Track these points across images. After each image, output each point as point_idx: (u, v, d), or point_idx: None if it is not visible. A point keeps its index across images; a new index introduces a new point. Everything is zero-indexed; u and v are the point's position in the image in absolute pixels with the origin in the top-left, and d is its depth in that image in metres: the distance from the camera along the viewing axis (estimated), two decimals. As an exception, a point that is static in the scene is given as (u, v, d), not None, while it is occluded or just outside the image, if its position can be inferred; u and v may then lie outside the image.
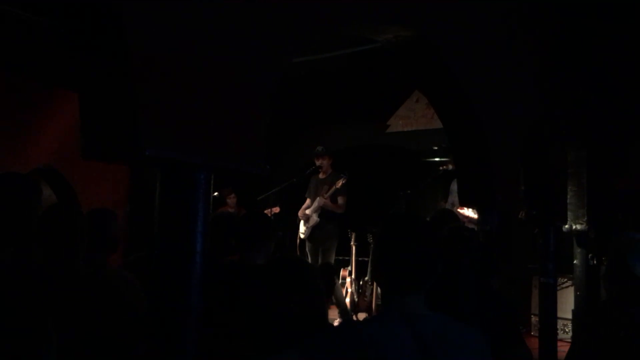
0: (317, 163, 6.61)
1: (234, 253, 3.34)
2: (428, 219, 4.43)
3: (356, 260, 7.01)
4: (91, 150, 1.94)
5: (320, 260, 6.42)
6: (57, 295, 2.28)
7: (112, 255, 3.09)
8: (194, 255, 2.00)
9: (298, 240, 6.84)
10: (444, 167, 6.19)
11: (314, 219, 6.50)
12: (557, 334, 4.68)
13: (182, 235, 2.02)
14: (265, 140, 2.28)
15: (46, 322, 2.14)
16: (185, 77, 2.02)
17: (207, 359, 2.19)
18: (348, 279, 6.95)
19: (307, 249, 6.64)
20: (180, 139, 1.99)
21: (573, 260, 5.16)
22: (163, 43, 1.96)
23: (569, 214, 4.97)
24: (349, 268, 7.03)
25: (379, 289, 6.93)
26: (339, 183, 6.37)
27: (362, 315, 6.67)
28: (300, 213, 6.69)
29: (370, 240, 7.00)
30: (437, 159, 7.69)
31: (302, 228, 6.71)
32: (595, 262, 4.99)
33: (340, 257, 6.98)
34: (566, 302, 5.43)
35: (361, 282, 7.05)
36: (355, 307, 6.86)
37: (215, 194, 6.71)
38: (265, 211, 6.71)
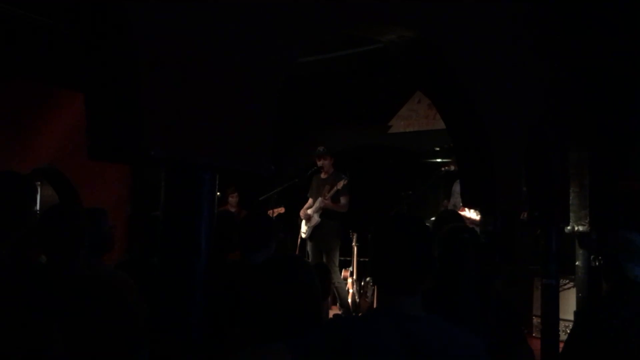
0: (319, 163, 6.61)
1: (235, 252, 3.35)
2: (432, 219, 4.43)
3: (358, 261, 7.01)
4: (97, 150, 1.95)
5: (325, 261, 6.42)
6: (61, 296, 2.28)
7: (107, 254, 3.10)
8: (198, 255, 2.00)
9: (299, 240, 6.84)
10: (446, 168, 6.19)
11: (315, 218, 6.51)
12: (559, 335, 4.68)
13: (187, 235, 2.02)
14: (270, 140, 2.29)
15: (52, 323, 2.14)
16: (191, 77, 2.02)
17: (208, 358, 2.19)
18: (349, 280, 6.96)
19: (308, 249, 6.64)
20: (185, 139, 1.99)
21: (575, 262, 5.16)
22: (169, 44, 1.96)
23: (571, 215, 4.97)
24: (351, 269, 7.03)
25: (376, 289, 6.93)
26: (340, 184, 6.37)
27: (363, 316, 6.65)
28: (302, 213, 6.69)
29: (371, 241, 6.99)
30: (438, 160, 7.70)
31: (303, 228, 6.71)
32: (597, 263, 4.99)
33: (342, 258, 6.99)
34: (568, 304, 5.42)
35: (362, 283, 7.05)
36: (357, 307, 6.86)
37: (218, 193, 6.70)
38: (270, 212, 6.70)
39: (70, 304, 2.27)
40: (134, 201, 7.17)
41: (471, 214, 5.48)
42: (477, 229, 4.32)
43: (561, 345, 4.64)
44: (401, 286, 1.74)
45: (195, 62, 2.04)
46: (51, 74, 5.96)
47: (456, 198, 5.87)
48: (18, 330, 2.06)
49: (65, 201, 6.36)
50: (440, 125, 4.53)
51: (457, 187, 5.87)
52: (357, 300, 6.91)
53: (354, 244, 7.03)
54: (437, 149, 7.66)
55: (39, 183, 7.01)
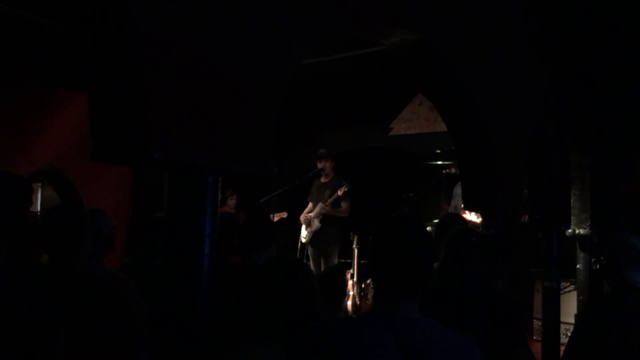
0: (319, 166, 6.60)
1: (236, 254, 3.35)
2: (434, 222, 4.44)
3: (358, 263, 7.01)
4: (100, 152, 1.95)
5: (322, 266, 6.41)
6: (62, 296, 2.27)
7: (108, 256, 3.10)
8: (201, 257, 2.00)
9: (299, 244, 6.84)
10: (447, 170, 6.19)
11: (316, 224, 6.50)
12: (560, 338, 4.68)
13: (190, 238, 2.02)
14: (273, 142, 2.29)
15: (52, 323, 2.14)
16: (194, 79, 2.03)
17: (209, 358, 2.19)
18: (350, 282, 6.95)
19: (308, 253, 6.63)
20: (188, 141, 1.99)
21: (576, 265, 5.16)
22: (172, 46, 1.96)
23: (573, 218, 4.96)
24: (351, 271, 7.03)
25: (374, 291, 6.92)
26: (341, 191, 6.36)
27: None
28: (302, 217, 6.69)
29: (372, 243, 6.99)
30: (440, 162, 7.70)
31: (303, 232, 6.70)
32: (598, 266, 4.99)
33: (343, 260, 6.98)
34: (569, 307, 5.42)
35: (363, 285, 7.05)
36: (357, 310, 6.86)
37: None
38: (272, 216, 6.70)
39: (71, 305, 2.27)
40: (135, 202, 7.17)
41: (472, 216, 5.48)
42: (479, 231, 4.33)
43: (562, 348, 4.64)
44: (398, 289, 1.74)
45: (198, 64, 2.04)
46: (54, 75, 5.97)
47: (457, 200, 5.87)
48: (18, 331, 2.06)
49: (66, 202, 6.37)
50: (442, 127, 4.53)
51: (458, 190, 5.87)
52: (358, 302, 6.91)
53: (354, 246, 7.03)
54: (439, 151, 7.66)
55: (40, 184, 7.03)
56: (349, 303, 6.78)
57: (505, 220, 3.99)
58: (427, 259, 1.78)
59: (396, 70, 5.80)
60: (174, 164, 2.00)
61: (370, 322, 1.71)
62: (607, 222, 5.07)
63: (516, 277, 5.77)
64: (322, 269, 6.40)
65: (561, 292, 4.94)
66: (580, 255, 5.12)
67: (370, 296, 6.94)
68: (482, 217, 4.09)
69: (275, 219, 6.89)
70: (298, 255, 6.77)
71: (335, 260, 6.52)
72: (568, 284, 5.73)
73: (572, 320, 5.38)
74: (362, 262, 7.02)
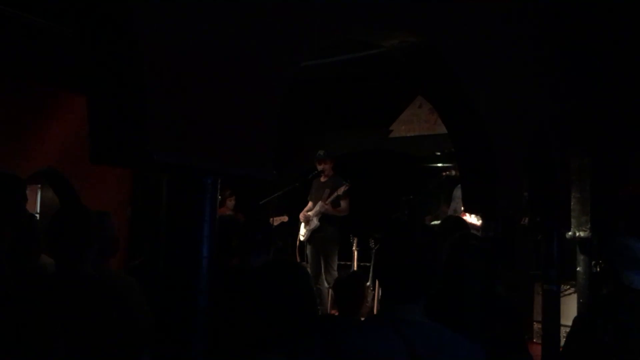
0: (319, 167, 6.61)
1: (234, 256, 3.34)
2: (433, 223, 4.44)
3: (358, 266, 7.00)
4: (99, 155, 1.94)
5: (322, 265, 6.41)
6: (67, 300, 2.26)
7: (113, 257, 3.09)
8: (200, 260, 2.00)
9: (297, 243, 6.83)
10: (447, 172, 6.18)
11: (315, 222, 6.50)
12: (560, 341, 4.67)
13: (189, 240, 2.02)
14: (273, 145, 2.29)
15: (53, 328, 2.13)
16: (194, 82, 2.02)
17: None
18: (350, 284, 6.93)
19: (307, 252, 6.63)
20: (187, 144, 1.99)
21: (576, 267, 5.16)
22: (172, 48, 1.96)
23: (572, 220, 4.96)
24: (351, 273, 7.02)
25: (380, 294, 6.93)
26: (341, 190, 6.36)
27: (363, 321, 6.64)
28: (301, 215, 6.69)
29: (372, 245, 7.00)
30: (439, 165, 7.68)
31: (302, 230, 6.70)
32: (598, 269, 4.98)
33: (343, 262, 6.98)
34: (569, 309, 5.40)
35: (363, 287, 7.03)
36: (357, 312, 6.84)
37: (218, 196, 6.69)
38: (272, 219, 6.70)
39: (76, 307, 2.26)
40: (135, 204, 7.17)
41: (472, 218, 5.47)
42: (478, 234, 4.33)
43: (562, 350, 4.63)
44: (405, 293, 1.74)
45: (198, 67, 2.04)
46: (54, 77, 5.97)
47: (457, 203, 5.86)
48: (16, 333, 2.05)
49: (65, 203, 6.36)
50: (441, 129, 4.53)
51: (457, 192, 5.86)
52: (358, 304, 6.89)
53: (354, 248, 7.02)
54: (438, 153, 7.65)
55: (39, 186, 7.02)
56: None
57: (505, 223, 3.98)
58: (434, 263, 1.78)
59: (396, 72, 5.80)
60: (172, 166, 1.99)
61: (378, 326, 1.71)
62: (607, 225, 5.07)
63: (516, 280, 5.76)
64: (322, 269, 6.40)
65: (561, 294, 4.94)
66: (580, 258, 5.11)
67: (369, 298, 6.93)
68: (482, 219, 4.09)
69: (276, 222, 6.89)
70: (297, 254, 6.77)
71: (336, 260, 6.51)
72: (568, 286, 5.73)
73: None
74: (361, 264, 7.02)
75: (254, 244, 3.14)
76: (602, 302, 2.75)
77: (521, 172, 4.09)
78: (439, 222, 6.59)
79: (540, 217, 4.52)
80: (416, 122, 7.76)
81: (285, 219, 7.10)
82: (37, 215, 6.48)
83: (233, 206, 7.44)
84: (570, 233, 4.97)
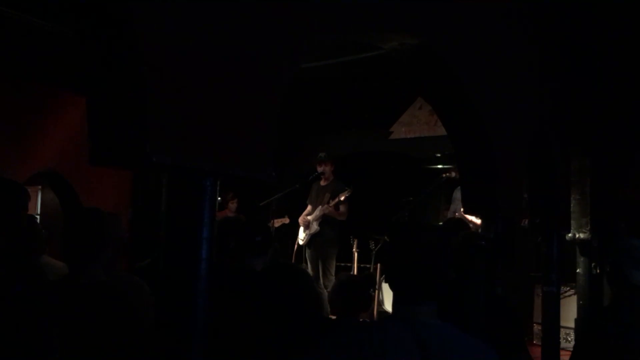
0: (319, 169, 6.61)
1: (232, 258, 3.34)
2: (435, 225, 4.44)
3: (358, 267, 7.00)
4: (98, 156, 1.95)
5: (320, 268, 6.41)
6: (76, 304, 2.25)
7: (121, 259, 3.08)
8: (199, 261, 2.00)
9: (295, 247, 6.83)
10: (447, 174, 6.18)
11: (314, 227, 6.49)
12: (559, 342, 4.67)
13: (188, 242, 2.02)
14: (272, 146, 2.29)
15: (51, 333, 2.12)
16: (193, 83, 2.03)
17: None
18: (350, 286, 6.93)
19: (306, 256, 6.63)
20: (187, 145, 1.99)
21: (576, 269, 5.15)
22: (172, 49, 1.96)
23: (572, 222, 4.96)
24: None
25: (381, 296, 6.93)
26: (343, 195, 6.36)
27: (363, 322, 6.65)
28: (300, 219, 6.69)
29: (372, 247, 7.00)
30: (439, 166, 7.69)
31: (301, 234, 6.70)
32: (598, 271, 4.98)
33: (342, 264, 6.98)
34: (569, 311, 5.41)
35: (363, 289, 7.02)
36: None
37: (219, 198, 6.71)
38: (273, 221, 6.70)
39: (85, 311, 2.25)
40: (135, 205, 7.17)
41: (474, 217, 5.46)
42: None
43: (562, 352, 4.63)
44: (418, 294, 1.74)
45: (197, 68, 2.05)
46: (54, 78, 5.97)
47: (457, 205, 5.86)
48: (12, 336, 2.05)
49: (66, 205, 6.37)
50: (441, 131, 4.53)
51: (457, 194, 5.86)
52: (358, 306, 6.88)
53: (354, 249, 7.02)
54: (438, 155, 7.65)
55: (40, 187, 7.03)
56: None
57: (504, 224, 3.98)
58: (445, 263, 1.78)
59: (396, 74, 5.80)
60: (172, 168, 2.00)
61: (391, 327, 1.71)
62: (608, 227, 5.06)
63: (516, 282, 5.76)
64: (320, 272, 6.39)
65: (561, 296, 4.93)
66: (580, 259, 5.11)
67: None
68: (482, 221, 4.09)
69: (277, 224, 6.89)
70: (294, 258, 6.77)
71: (334, 264, 6.51)
72: (568, 288, 5.73)
73: (572, 325, 5.38)
74: (361, 265, 7.02)
75: (252, 246, 3.14)
76: (611, 303, 2.74)
77: (521, 174, 4.09)
78: (440, 223, 6.60)
79: (540, 219, 4.51)
80: (416, 123, 7.77)
81: (286, 220, 7.10)
82: (38, 217, 6.48)
83: (235, 208, 7.45)
84: (570, 235, 4.96)
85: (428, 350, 1.64)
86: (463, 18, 3.46)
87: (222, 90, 2.12)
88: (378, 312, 6.78)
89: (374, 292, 6.87)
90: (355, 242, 7.02)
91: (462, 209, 4.72)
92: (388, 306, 6.98)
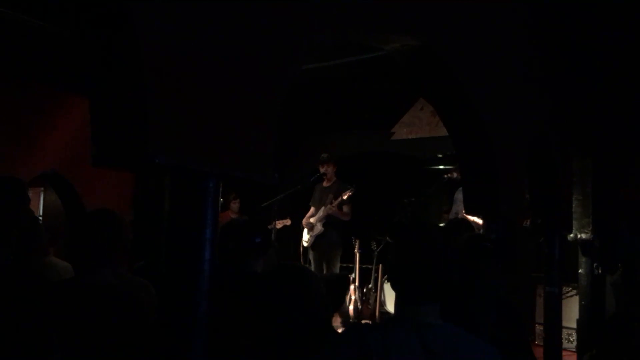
0: (322, 170, 6.61)
1: (231, 259, 3.33)
2: (442, 225, 4.43)
3: (360, 268, 7.00)
4: (102, 158, 1.95)
5: (325, 270, 6.41)
6: (83, 306, 2.25)
7: (125, 261, 3.08)
8: (202, 262, 2.01)
9: (301, 249, 6.83)
10: (449, 175, 6.18)
11: (319, 227, 6.50)
12: (561, 343, 4.67)
13: (191, 243, 2.02)
14: (274, 147, 2.29)
15: (50, 334, 2.12)
16: (195, 85, 2.03)
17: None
18: (352, 287, 6.95)
19: (310, 257, 6.64)
20: (189, 147, 2.00)
21: (578, 269, 5.15)
22: (174, 51, 1.97)
23: (574, 222, 4.95)
24: (353, 275, 7.03)
25: (382, 297, 6.94)
26: (346, 195, 6.37)
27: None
28: (304, 221, 6.69)
29: (374, 247, 7.00)
30: (441, 167, 7.69)
31: (305, 236, 6.70)
32: (600, 271, 4.97)
33: (344, 265, 6.98)
34: (571, 312, 5.41)
35: (365, 290, 7.04)
36: (359, 314, 6.85)
37: (221, 199, 6.70)
38: (275, 222, 6.71)
39: (92, 313, 2.24)
40: (136, 207, 7.17)
41: (476, 218, 5.46)
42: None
43: (564, 353, 4.63)
44: (422, 295, 1.74)
45: (199, 70, 2.05)
46: (55, 79, 5.98)
47: (458, 206, 5.85)
48: (12, 338, 2.05)
49: (68, 206, 6.38)
50: (443, 132, 4.53)
51: (459, 195, 5.85)
52: (360, 307, 6.90)
53: (356, 250, 7.03)
54: (440, 156, 7.65)
55: (42, 188, 7.04)
56: (351, 307, 6.77)
57: (506, 225, 3.98)
58: (448, 263, 1.78)
59: (398, 75, 5.81)
60: (174, 170, 2.00)
61: (396, 328, 1.71)
62: (609, 227, 5.06)
63: (518, 282, 5.76)
64: (325, 273, 6.40)
65: (563, 297, 4.93)
66: (582, 260, 5.10)
67: (372, 301, 6.94)
68: (483, 221, 4.09)
69: (279, 225, 6.90)
70: (301, 260, 6.77)
71: (338, 265, 6.52)
72: (570, 288, 5.72)
73: (574, 325, 5.37)
74: (363, 266, 7.02)
75: (251, 248, 3.12)
76: (626, 306, 2.74)
77: (522, 174, 4.09)
78: (442, 224, 6.61)
79: (541, 219, 4.51)
80: (418, 124, 7.77)
81: (288, 222, 7.11)
82: (40, 218, 6.49)
83: (238, 209, 7.45)
84: (572, 235, 4.96)
85: (432, 351, 1.64)
86: (464, 19, 3.47)
87: (223, 91, 2.13)
88: (380, 312, 6.79)
89: (373, 290, 6.87)
90: (357, 243, 7.03)
91: (463, 210, 4.72)
92: (390, 307, 6.99)
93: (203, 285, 2.00)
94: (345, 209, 6.46)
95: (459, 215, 5.77)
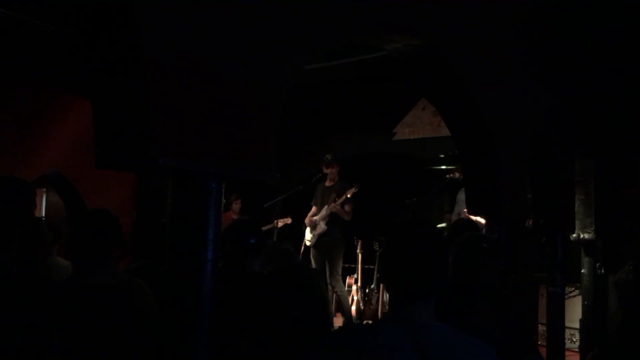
0: (326, 171, 6.63)
1: (229, 260, 3.33)
2: (439, 226, 4.42)
3: (362, 268, 7.00)
4: (105, 159, 1.96)
5: (327, 269, 6.42)
6: (82, 307, 2.26)
7: (123, 260, 3.09)
8: (205, 262, 2.01)
9: (302, 248, 6.84)
10: (451, 175, 6.18)
11: (321, 226, 6.51)
12: (564, 343, 4.66)
13: (194, 244, 2.03)
14: (276, 148, 2.30)
15: (50, 334, 2.13)
16: (198, 86, 2.04)
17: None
18: (354, 287, 6.95)
19: (312, 256, 6.64)
20: (192, 148, 2.00)
21: (581, 270, 5.15)
22: (176, 52, 1.97)
23: (577, 222, 4.95)
24: (355, 276, 7.03)
25: (385, 297, 6.93)
26: (350, 192, 6.38)
27: (368, 323, 6.66)
28: (307, 220, 6.70)
29: (376, 247, 7.00)
30: (443, 167, 7.68)
31: (307, 235, 6.71)
32: (602, 271, 4.97)
33: (347, 265, 6.98)
34: (574, 312, 5.40)
35: (367, 290, 7.04)
36: (362, 314, 6.85)
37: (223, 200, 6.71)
38: (276, 221, 6.72)
39: (92, 313, 2.25)
40: (139, 208, 7.19)
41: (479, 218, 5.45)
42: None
43: (567, 353, 4.62)
44: (414, 294, 1.73)
45: (202, 71, 2.06)
46: (58, 80, 6.00)
47: (461, 206, 5.85)
48: (13, 339, 2.05)
49: (70, 207, 6.39)
50: (445, 132, 4.53)
51: (461, 196, 5.85)
52: (362, 307, 6.90)
53: (358, 250, 7.03)
54: (442, 156, 7.65)
55: (44, 189, 7.06)
56: (353, 308, 6.77)
57: (509, 225, 3.98)
58: (442, 263, 1.77)
59: (399, 75, 5.80)
60: (177, 170, 2.01)
61: (388, 328, 1.70)
62: (612, 227, 5.05)
63: (521, 283, 5.75)
64: (327, 273, 6.40)
65: (566, 297, 4.92)
66: (585, 260, 5.10)
67: (374, 301, 6.94)
68: (486, 222, 4.09)
69: (280, 224, 6.91)
70: (301, 259, 6.78)
71: (340, 263, 6.52)
72: (573, 288, 5.72)
73: (577, 325, 5.37)
74: (365, 266, 7.02)
75: (247, 248, 3.11)
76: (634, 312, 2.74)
77: (525, 174, 4.08)
78: (444, 224, 6.61)
79: (544, 219, 4.50)
80: (420, 124, 7.77)
81: (288, 221, 7.12)
82: (43, 219, 6.51)
83: (239, 209, 7.46)
84: (574, 235, 4.95)
85: (426, 352, 1.63)
86: (466, 20, 3.47)
87: (225, 92, 2.13)
88: (382, 313, 6.79)
89: (375, 290, 6.87)
90: (360, 244, 7.03)
91: (465, 210, 4.72)
92: (393, 307, 6.97)
93: (206, 285, 2.00)
94: (347, 207, 6.47)
95: (462, 216, 5.77)
